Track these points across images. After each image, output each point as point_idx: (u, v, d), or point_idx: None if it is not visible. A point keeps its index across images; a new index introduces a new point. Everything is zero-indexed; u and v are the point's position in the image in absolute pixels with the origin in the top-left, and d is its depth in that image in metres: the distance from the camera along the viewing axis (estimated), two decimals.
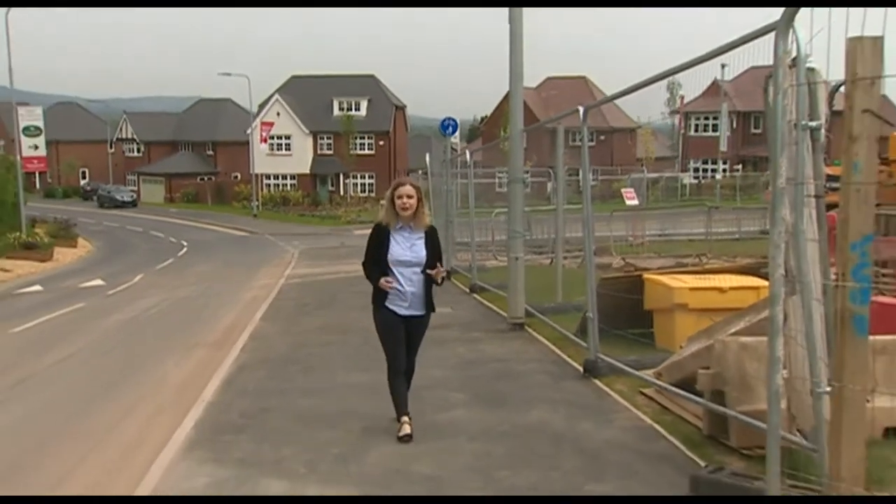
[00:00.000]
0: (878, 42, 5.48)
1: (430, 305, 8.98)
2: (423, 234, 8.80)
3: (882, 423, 7.83)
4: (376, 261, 8.75)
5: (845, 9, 4.75)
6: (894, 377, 7.91)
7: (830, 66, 5.92)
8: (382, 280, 8.62)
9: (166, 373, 14.00)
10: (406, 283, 8.72)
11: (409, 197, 8.61)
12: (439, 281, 8.83)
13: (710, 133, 79.30)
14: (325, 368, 12.79)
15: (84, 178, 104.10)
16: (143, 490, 7.76)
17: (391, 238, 8.71)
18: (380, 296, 8.79)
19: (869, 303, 5.76)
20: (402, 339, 8.90)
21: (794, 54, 5.91)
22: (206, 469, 8.24)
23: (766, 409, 5.97)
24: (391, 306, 8.78)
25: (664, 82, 10.34)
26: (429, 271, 8.70)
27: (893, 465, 7.19)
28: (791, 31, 5.51)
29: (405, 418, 8.90)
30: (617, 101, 14.60)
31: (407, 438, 8.73)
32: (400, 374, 8.95)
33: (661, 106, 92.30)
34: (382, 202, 8.86)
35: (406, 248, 8.69)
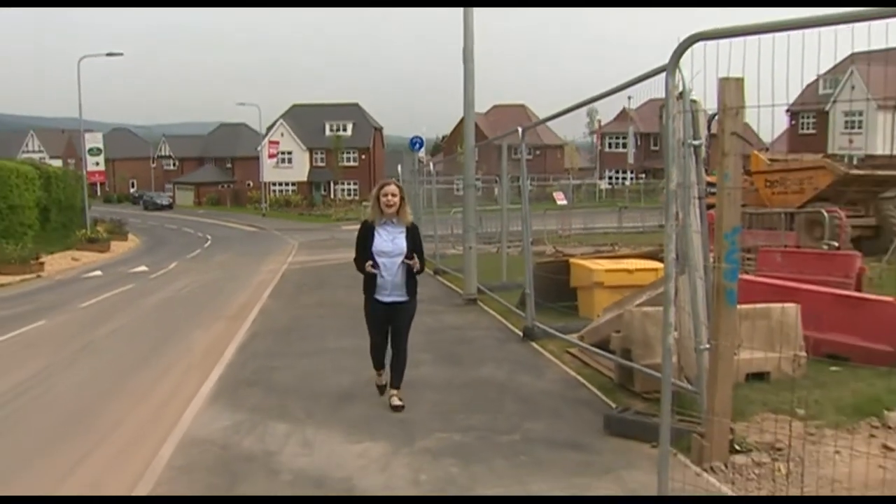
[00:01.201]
0: (740, 81, 5.61)
1: (411, 292, 8.17)
2: (404, 230, 8.06)
3: (744, 370, 7.98)
4: (364, 254, 8.03)
5: (716, 55, 4.84)
6: (754, 336, 8.07)
7: (708, 99, 6.03)
8: (367, 264, 7.93)
9: (195, 339, 13.92)
10: (387, 272, 7.97)
11: (394, 195, 7.97)
12: (415, 268, 8.03)
13: (620, 149, 79.57)
14: (320, 336, 12.77)
15: (133, 186, 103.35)
16: (178, 431, 7.78)
17: (375, 232, 8.01)
18: (368, 287, 8.11)
19: (737, 280, 5.88)
20: (383, 323, 8.22)
21: (680, 89, 6.00)
22: (226, 414, 8.26)
23: (662, 363, 6.06)
24: (377, 296, 8.08)
25: (584, 108, 10.50)
26: (406, 260, 7.96)
27: (752, 402, 7.35)
28: (678, 71, 5.60)
29: (381, 371, 8.55)
30: (548, 123, 14.70)
31: (382, 389, 8.52)
32: (379, 345, 8.39)
33: (583, 127, 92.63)
34: (365, 203, 8.59)
35: (388, 241, 7.97)
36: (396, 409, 8.12)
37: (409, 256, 7.99)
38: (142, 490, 6.26)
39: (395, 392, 8.30)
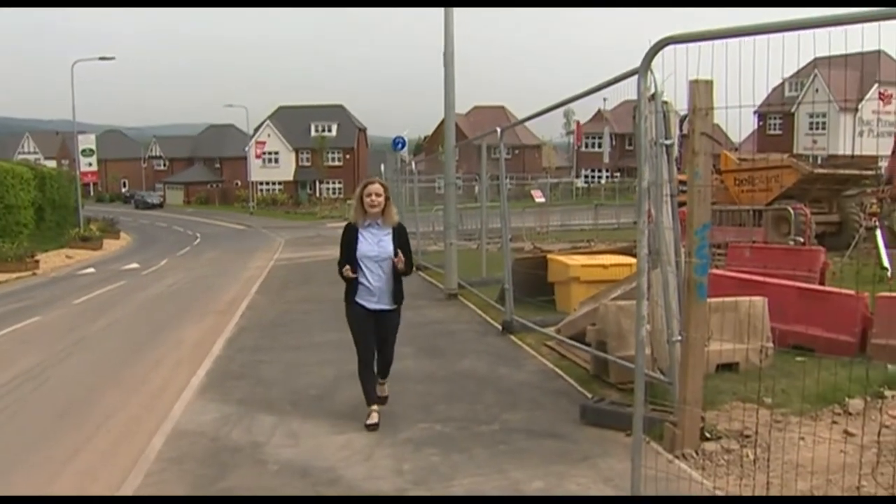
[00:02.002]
0: (709, 84, 5.63)
1: (398, 298, 7.40)
2: (390, 231, 7.28)
3: (714, 361, 8.02)
4: (348, 259, 7.22)
5: (686, 59, 4.85)
6: (723, 328, 8.11)
7: (680, 100, 6.06)
8: (346, 268, 7.16)
9: (185, 334, 13.89)
10: (373, 277, 7.22)
11: (378, 195, 7.16)
12: (399, 265, 7.20)
13: (596, 149, 79.81)
14: (305, 330, 12.75)
15: (124, 186, 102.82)
16: (169, 423, 7.76)
17: (359, 235, 7.22)
18: (351, 291, 7.27)
19: (707, 274, 5.91)
20: (370, 331, 7.34)
21: (652, 90, 6.01)
22: (214, 406, 8.26)
23: (635, 354, 6.08)
24: (360, 301, 7.27)
25: (561, 109, 10.52)
26: (393, 258, 7.17)
27: (721, 392, 7.39)
28: (650, 73, 5.60)
29: (374, 407, 7.42)
30: (527, 124, 14.72)
31: (373, 427, 7.23)
32: (369, 365, 7.42)
33: (560, 128, 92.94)
34: (349, 201, 8.38)
35: (373, 244, 7.19)
36: (381, 399, 7.66)
37: (396, 254, 7.24)
38: (133, 481, 6.23)
39: (382, 381, 7.76)
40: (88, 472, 7.06)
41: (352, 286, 7.30)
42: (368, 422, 7.29)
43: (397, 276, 7.36)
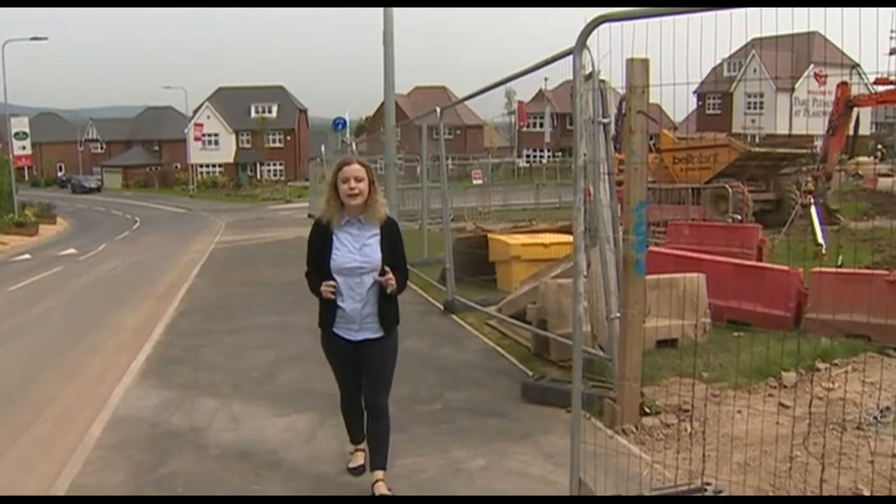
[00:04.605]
0: (646, 62, 5.69)
1: (388, 323, 5.18)
2: (377, 231, 5.13)
3: (653, 337, 8.14)
4: (319, 271, 5.13)
5: (620, 38, 4.87)
6: (662, 305, 8.21)
7: (618, 79, 6.10)
8: (323, 286, 5.03)
9: (124, 320, 13.65)
10: (352, 298, 5.10)
11: (359, 179, 4.98)
12: (388, 290, 5.05)
13: (537, 129, 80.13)
14: (246, 313, 12.61)
15: (60, 170, 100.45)
16: (108, 409, 7.62)
17: (334, 238, 5.09)
18: (326, 315, 5.20)
19: (645, 251, 5.98)
20: (354, 369, 5.28)
21: (589, 69, 6.04)
22: (155, 392, 8.14)
23: (573, 331, 6.13)
24: (338, 331, 5.18)
25: (503, 90, 10.52)
26: (377, 277, 5.03)
27: (660, 367, 7.53)
28: (586, 51, 5.61)
29: (360, 446, 5.72)
30: (468, 103, 14.72)
31: (358, 471, 5.67)
32: (354, 401, 5.48)
33: (501, 108, 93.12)
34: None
35: (354, 251, 5.05)
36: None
37: (383, 271, 5.07)
38: (71, 469, 6.11)
39: (380, 476, 5.33)
40: (24, 461, 6.93)
41: (327, 308, 5.22)
42: (351, 465, 5.75)
43: (386, 294, 5.16)
